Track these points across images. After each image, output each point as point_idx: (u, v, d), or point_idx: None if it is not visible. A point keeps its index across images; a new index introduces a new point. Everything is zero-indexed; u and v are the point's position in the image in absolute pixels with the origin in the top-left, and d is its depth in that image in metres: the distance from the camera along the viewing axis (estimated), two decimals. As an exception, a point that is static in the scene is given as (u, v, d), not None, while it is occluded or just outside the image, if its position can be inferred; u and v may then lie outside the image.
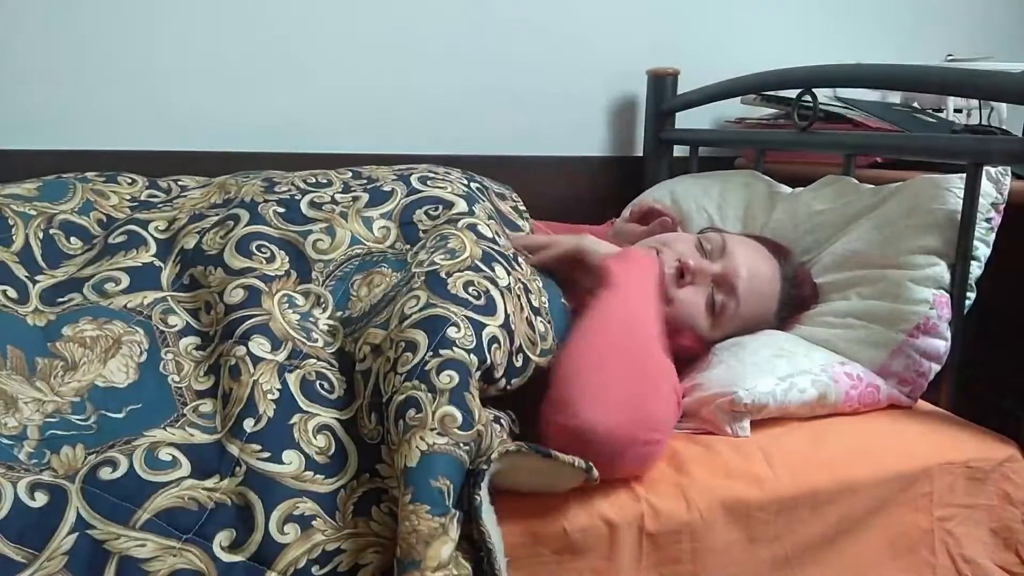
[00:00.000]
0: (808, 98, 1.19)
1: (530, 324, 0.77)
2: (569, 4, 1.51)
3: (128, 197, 0.91)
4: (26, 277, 0.76)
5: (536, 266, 0.92)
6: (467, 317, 0.69)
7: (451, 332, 0.67)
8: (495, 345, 0.69)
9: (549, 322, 0.82)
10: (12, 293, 0.74)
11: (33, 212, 0.82)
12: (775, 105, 1.46)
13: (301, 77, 1.37)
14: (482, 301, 0.72)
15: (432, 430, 0.60)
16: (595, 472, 0.65)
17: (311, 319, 0.77)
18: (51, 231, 0.81)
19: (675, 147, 1.58)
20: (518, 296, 0.78)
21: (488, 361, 0.68)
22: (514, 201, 1.05)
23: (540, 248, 0.96)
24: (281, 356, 0.71)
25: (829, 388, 0.88)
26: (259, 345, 0.70)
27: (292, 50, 1.36)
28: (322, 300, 0.79)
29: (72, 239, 0.83)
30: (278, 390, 0.68)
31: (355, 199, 0.89)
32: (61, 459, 0.61)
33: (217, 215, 0.85)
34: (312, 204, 0.87)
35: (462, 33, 1.45)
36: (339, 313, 0.78)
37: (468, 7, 1.45)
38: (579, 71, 1.55)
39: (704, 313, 0.96)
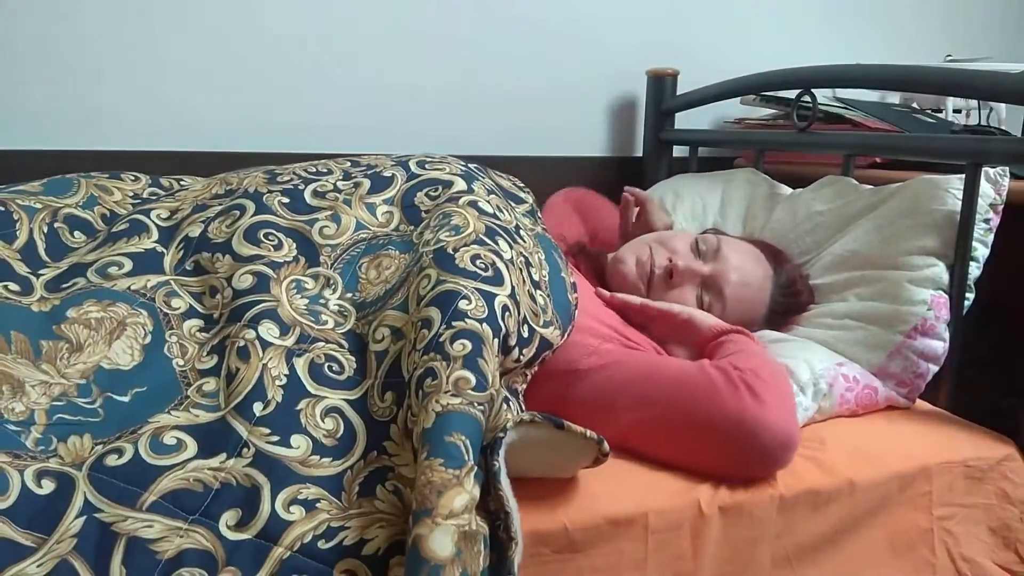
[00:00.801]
0: (808, 98, 1.19)
1: (531, 296, 0.79)
2: (569, 4, 1.52)
3: (131, 194, 0.91)
4: (28, 273, 0.76)
5: (633, 318, 0.96)
6: (477, 289, 0.71)
7: (462, 304, 0.69)
8: (507, 313, 0.71)
9: (548, 296, 0.83)
10: (14, 287, 0.74)
11: (38, 206, 0.82)
12: (775, 105, 1.46)
13: (301, 77, 1.37)
14: (490, 272, 0.74)
15: (446, 392, 0.62)
16: (606, 446, 0.66)
17: (321, 301, 0.78)
18: (56, 224, 0.82)
19: (675, 147, 1.58)
20: (520, 269, 0.80)
21: (503, 328, 0.70)
22: (511, 180, 1.06)
23: (635, 303, 0.97)
24: (289, 341, 0.72)
25: (826, 395, 0.88)
26: (268, 330, 0.72)
27: (292, 50, 1.36)
28: (332, 281, 0.80)
29: (76, 233, 0.83)
30: (285, 375, 0.69)
31: (357, 185, 0.90)
32: (68, 447, 0.62)
33: (221, 204, 0.86)
34: (315, 193, 0.88)
35: (462, 33, 1.46)
36: (349, 295, 0.79)
37: (468, 7, 1.45)
38: (579, 71, 1.55)
39: None
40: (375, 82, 1.42)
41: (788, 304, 1.03)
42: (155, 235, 0.83)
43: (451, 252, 0.75)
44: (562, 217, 1.33)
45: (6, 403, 0.63)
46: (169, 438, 0.63)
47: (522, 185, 1.06)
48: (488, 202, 0.88)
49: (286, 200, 0.86)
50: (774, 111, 1.49)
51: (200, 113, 1.33)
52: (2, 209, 0.79)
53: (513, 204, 0.97)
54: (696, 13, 1.61)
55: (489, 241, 0.79)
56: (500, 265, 0.76)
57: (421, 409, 0.62)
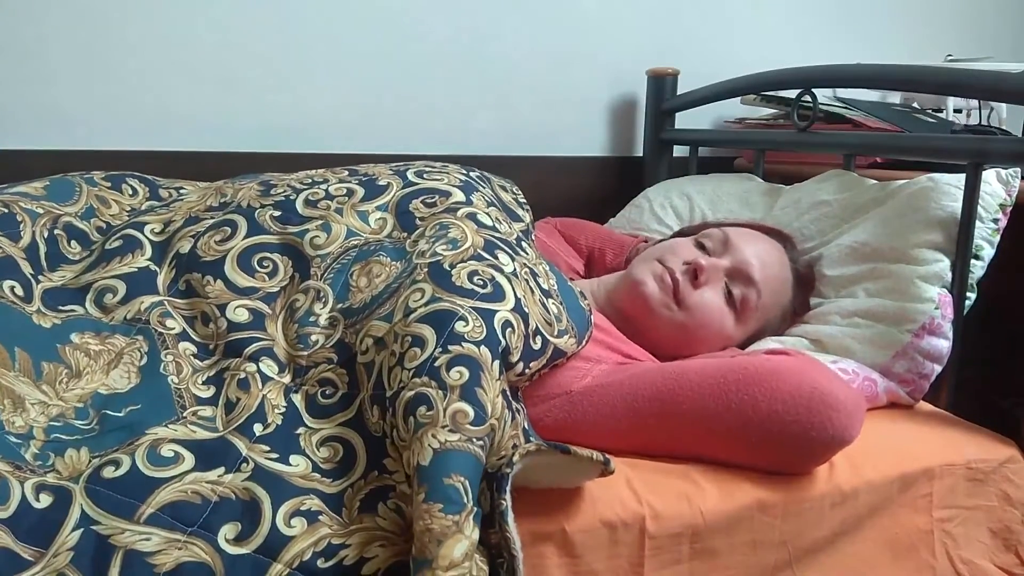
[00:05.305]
0: (808, 98, 1.18)
1: (544, 306, 0.77)
2: (569, 4, 1.51)
3: (128, 208, 0.90)
4: (31, 275, 0.76)
5: None
6: (475, 308, 0.68)
7: (459, 327, 0.66)
8: (509, 329, 0.69)
9: (561, 303, 0.81)
10: (19, 291, 0.73)
11: (40, 211, 0.82)
12: (775, 105, 1.46)
13: (301, 77, 1.37)
14: (488, 289, 0.71)
15: (444, 427, 0.59)
16: (612, 464, 0.65)
17: (311, 318, 0.76)
18: (56, 231, 0.81)
19: (675, 147, 1.57)
20: (526, 280, 0.77)
21: (504, 345, 0.67)
22: (514, 194, 1.04)
23: None
24: (286, 379, 0.73)
25: None
26: (268, 367, 0.73)
27: (291, 50, 1.36)
28: (322, 294, 0.78)
29: (73, 243, 0.82)
30: (284, 407, 0.70)
31: (350, 194, 0.88)
32: (65, 461, 0.61)
33: (213, 218, 0.84)
34: (307, 202, 0.86)
35: (461, 33, 1.45)
36: (340, 305, 0.77)
37: (467, 7, 1.45)
38: (579, 71, 1.55)
39: (727, 311, 0.94)
40: (375, 82, 1.41)
41: (806, 279, 1.02)
42: (148, 251, 0.82)
43: (447, 268, 0.73)
44: (553, 246, 1.26)
45: (8, 416, 0.63)
46: (167, 450, 0.63)
47: (523, 200, 1.03)
48: (487, 214, 0.86)
49: (277, 214, 0.84)
50: (774, 111, 1.48)
51: (199, 113, 1.32)
52: (5, 211, 0.79)
53: (511, 221, 0.94)
54: (696, 13, 1.61)
55: (488, 256, 0.76)
56: (500, 279, 0.73)
57: (415, 440, 0.59)
